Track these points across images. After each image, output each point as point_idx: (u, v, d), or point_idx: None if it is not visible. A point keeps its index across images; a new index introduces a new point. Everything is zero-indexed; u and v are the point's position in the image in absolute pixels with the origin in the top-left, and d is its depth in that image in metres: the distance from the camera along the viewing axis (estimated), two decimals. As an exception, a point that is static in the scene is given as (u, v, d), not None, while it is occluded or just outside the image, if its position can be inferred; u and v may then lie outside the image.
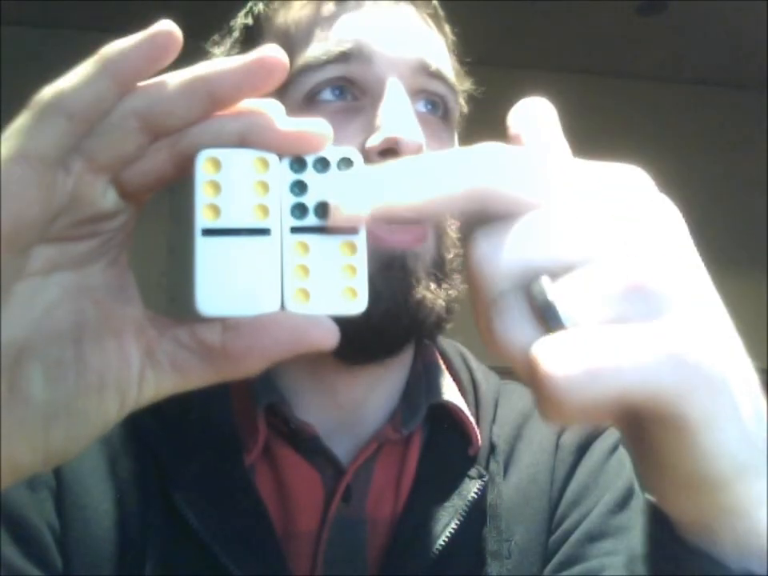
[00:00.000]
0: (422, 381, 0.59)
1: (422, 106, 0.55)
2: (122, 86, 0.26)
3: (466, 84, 0.63)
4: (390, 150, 0.49)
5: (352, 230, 0.29)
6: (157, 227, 2.44)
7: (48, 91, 0.26)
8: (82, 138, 0.26)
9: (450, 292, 0.54)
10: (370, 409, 0.57)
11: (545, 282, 0.25)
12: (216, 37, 0.61)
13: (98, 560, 0.49)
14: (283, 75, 0.27)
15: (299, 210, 0.29)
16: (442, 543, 0.52)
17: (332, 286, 0.28)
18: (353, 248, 0.29)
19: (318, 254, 0.29)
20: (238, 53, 0.57)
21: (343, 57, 0.52)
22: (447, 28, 0.60)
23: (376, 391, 0.57)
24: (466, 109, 0.62)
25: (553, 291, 0.24)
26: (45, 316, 0.28)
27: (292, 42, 0.54)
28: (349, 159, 0.29)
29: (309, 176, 0.29)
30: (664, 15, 2.51)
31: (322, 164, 0.29)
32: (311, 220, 0.29)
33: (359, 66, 0.52)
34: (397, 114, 0.50)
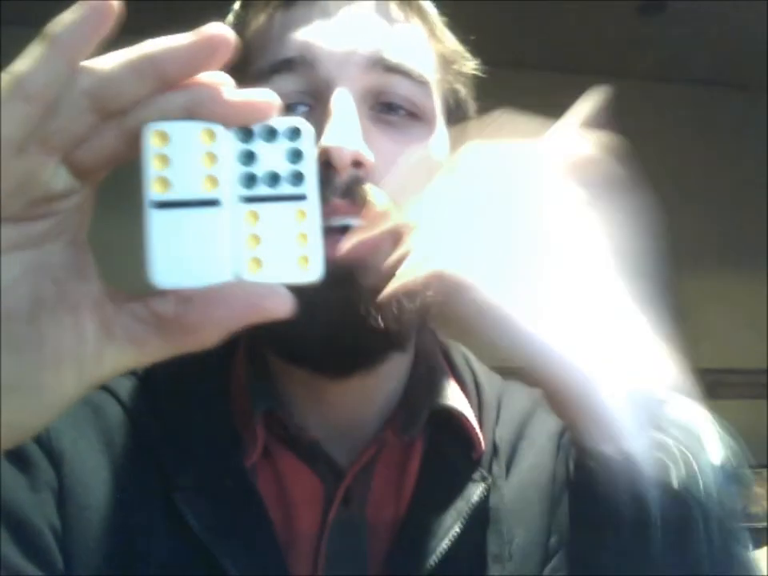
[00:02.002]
0: (424, 384, 0.58)
1: (380, 108, 0.52)
2: (73, 61, 0.27)
3: (467, 66, 0.59)
4: (325, 163, 0.47)
5: (301, 197, 0.29)
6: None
7: (4, 77, 0.26)
8: (41, 120, 0.26)
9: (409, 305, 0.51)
10: (366, 414, 0.57)
11: None
12: None
13: (99, 560, 0.49)
14: (229, 51, 0.28)
15: (248, 179, 0.29)
16: (445, 547, 0.51)
17: (284, 255, 0.29)
18: (303, 216, 0.29)
19: (268, 223, 0.29)
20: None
21: (287, 65, 0.51)
22: (427, 11, 0.57)
23: (370, 398, 0.57)
24: (461, 94, 0.59)
25: None
26: (3, 294, 0.28)
27: (250, 53, 0.53)
28: (297, 128, 0.29)
29: (257, 145, 0.29)
30: (664, 15, 2.51)
31: (269, 133, 0.29)
32: (261, 189, 0.29)
33: (305, 72, 0.51)
34: (332, 123, 0.48)
